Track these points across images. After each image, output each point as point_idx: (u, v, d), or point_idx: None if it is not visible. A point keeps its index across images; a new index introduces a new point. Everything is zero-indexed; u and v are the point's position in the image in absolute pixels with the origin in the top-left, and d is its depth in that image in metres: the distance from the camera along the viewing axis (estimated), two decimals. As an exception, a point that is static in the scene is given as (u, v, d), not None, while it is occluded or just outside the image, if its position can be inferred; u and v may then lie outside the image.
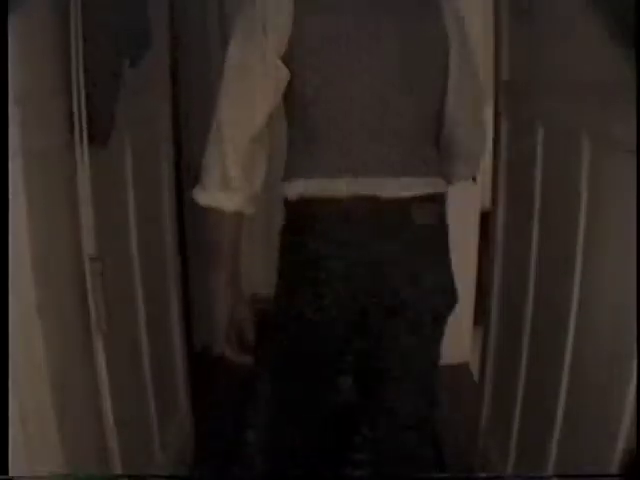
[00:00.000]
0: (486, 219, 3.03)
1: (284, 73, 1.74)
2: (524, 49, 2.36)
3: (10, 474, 1.46)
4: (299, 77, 1.75)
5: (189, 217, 3.53)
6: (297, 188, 1.80)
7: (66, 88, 1.76)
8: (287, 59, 1.73)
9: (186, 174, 3.41)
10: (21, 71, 1.56)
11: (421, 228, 1.79)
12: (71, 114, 1.76)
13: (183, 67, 3.38)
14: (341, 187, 1.75)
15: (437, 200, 1.85)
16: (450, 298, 1.89)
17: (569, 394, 1.92)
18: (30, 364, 1.64)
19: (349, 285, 1.78)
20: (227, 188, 1.79)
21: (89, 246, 1.86)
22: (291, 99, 1.80)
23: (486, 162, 2.88)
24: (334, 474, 2.45)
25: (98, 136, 1.83)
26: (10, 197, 1.51)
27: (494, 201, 2.70)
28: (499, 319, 2.71)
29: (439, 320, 1.90)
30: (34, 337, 1.64)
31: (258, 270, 3.77)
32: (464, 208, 3.54)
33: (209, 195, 1.82)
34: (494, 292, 2.71)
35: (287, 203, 1.84)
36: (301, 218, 1.81)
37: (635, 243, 1.43)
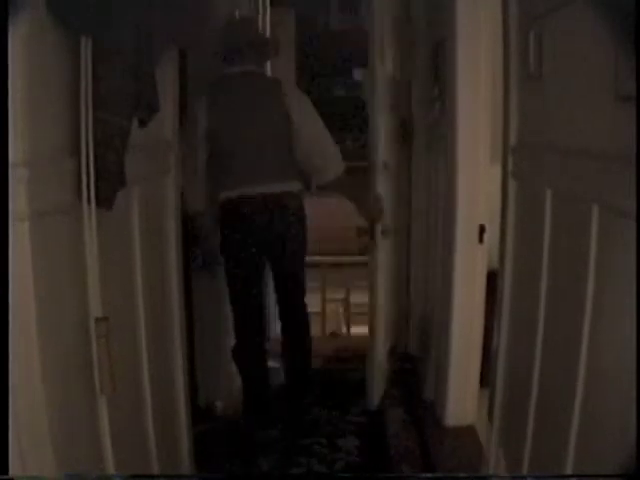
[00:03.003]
0: (493, 279, 3.01)
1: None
2: (533, 114, 2.38)
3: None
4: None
5: (196, 274, 3.53)
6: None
7: (74, 150, 1.78)
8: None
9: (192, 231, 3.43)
10: (28, 133, 1.58)
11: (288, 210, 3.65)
12: (79, 175, 1.76)
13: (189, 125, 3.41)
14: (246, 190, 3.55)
15: (297, 194, 3.70)
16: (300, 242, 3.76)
17: (577, 457, 1.89)
18: (33, 426, 1.63)
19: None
20: None
21: (95, 307, 1.86)
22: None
23: (494, 223, 2.89)
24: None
25: (105, 197, 1.83)
26: (17, 258, 1.51)
27: (501, 261, 2.69)
28: (506, 381, 2.68)
29: (296, 250, 3.75)
30: (37, 399, 1.63)
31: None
32: (470, 267, 3.53)
33: None
34: (501, 353, 2.69)
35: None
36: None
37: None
